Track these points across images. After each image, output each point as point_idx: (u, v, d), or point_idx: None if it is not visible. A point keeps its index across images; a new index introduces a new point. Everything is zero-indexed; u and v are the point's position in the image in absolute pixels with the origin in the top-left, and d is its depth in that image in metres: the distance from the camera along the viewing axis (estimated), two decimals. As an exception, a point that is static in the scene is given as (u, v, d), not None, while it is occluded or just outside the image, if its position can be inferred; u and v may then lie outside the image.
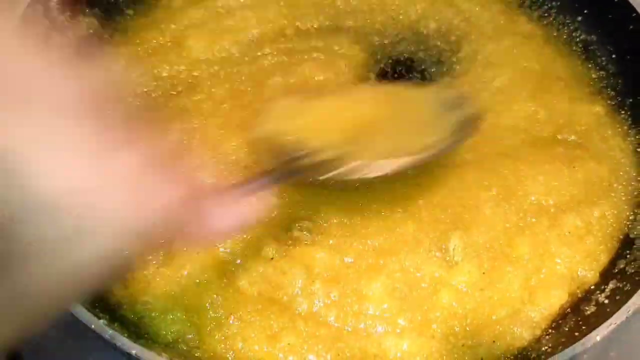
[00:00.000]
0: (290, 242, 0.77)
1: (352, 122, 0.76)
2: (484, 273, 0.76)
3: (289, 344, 0.71)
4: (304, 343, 0.72)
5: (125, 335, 0.64)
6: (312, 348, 0.71)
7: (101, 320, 0.63)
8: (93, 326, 0.62)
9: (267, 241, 0.76)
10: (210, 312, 0.73)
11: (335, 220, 0.78)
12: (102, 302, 0.71)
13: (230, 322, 0.72)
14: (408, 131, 0.77)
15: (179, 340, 0.72)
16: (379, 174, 0.70)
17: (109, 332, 0.62)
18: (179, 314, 0.72)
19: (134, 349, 0.62)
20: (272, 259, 0.75)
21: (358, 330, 0.73)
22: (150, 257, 0.75)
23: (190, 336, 0.72)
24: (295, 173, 0.69)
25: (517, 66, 0.95)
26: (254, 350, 0.71)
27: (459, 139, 0.76)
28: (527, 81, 0.94)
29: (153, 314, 0.73)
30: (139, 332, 0.71)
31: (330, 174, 0.68)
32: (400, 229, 0.78)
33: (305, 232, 0.77)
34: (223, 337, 0.72)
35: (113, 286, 0.74)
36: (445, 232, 0.78)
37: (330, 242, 0.77)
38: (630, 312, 0.68)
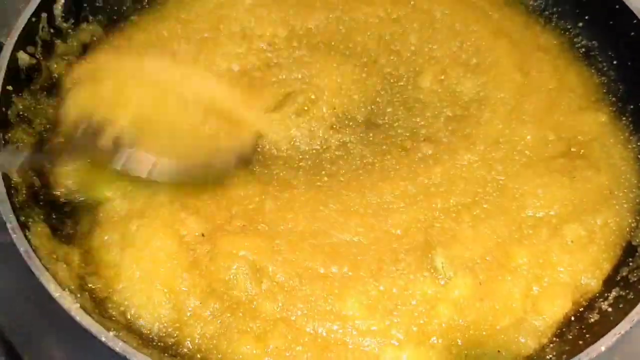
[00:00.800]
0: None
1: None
2: (480, 284, 0.76)
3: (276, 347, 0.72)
4: (291, 345, 0.72)
5: (134, 345, 0.64)
6: (300, 356, 0.72)
7: (111, 332, 0.64)
8: (104, 338, 0.63)
9: None
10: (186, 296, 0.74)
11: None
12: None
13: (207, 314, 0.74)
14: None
15: (164, 334, 0.73)
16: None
17: (119, 344, 0.63)
18: (158, 298, 0.74)
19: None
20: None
21: (344, 342, 0.73)
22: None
23: (172, 330, 0.73)
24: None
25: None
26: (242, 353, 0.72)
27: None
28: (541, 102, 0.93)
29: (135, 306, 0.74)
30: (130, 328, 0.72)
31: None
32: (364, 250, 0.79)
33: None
34: (207, 336, 0.73)
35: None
36: (425, 253, 0.77)
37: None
38: (634, 322, 0.68)
